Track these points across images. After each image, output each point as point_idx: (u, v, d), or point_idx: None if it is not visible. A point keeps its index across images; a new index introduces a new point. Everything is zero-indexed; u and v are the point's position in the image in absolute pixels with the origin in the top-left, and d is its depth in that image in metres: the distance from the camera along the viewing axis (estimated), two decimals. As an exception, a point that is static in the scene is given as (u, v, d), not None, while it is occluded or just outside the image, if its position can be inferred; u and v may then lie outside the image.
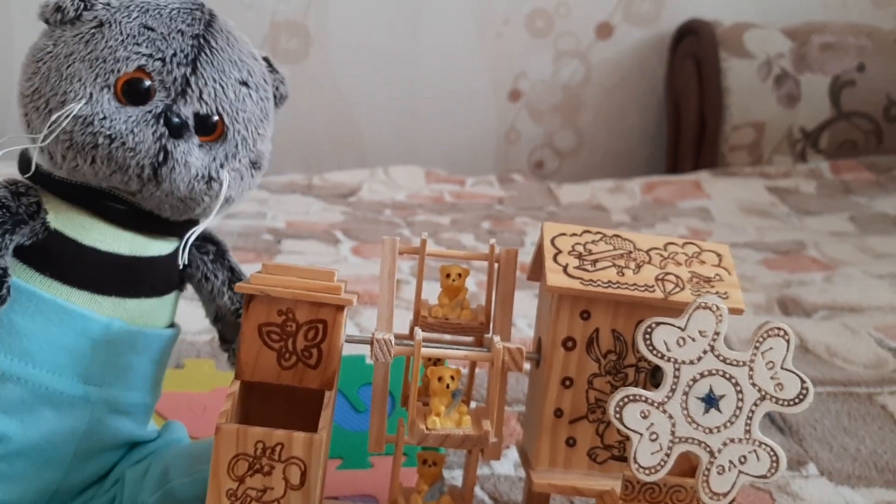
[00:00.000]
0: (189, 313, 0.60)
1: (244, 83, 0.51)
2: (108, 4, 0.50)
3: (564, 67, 1.92)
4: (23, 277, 0.48)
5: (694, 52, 1.82)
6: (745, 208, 1.55)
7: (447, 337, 0.55)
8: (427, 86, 1.88)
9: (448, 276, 0.53)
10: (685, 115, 1.84)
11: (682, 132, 1.86)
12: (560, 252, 0.51)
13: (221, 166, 0.50)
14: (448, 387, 0.48)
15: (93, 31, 0.49)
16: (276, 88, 0.55)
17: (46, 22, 0.51)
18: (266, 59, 0.55)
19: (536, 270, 0.54)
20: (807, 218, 1.50)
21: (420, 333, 0.49)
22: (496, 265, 0.54)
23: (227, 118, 0.50)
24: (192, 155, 0.49)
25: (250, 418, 0.50)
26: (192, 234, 0.52)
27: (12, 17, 1.77)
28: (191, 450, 0.54)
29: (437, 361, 0.53)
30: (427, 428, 0.47)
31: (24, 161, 0.51)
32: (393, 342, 0.49)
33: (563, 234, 0.52)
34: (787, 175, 1.70)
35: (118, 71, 0.48)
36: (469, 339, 0.56)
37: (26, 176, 0.50)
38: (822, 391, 0.81)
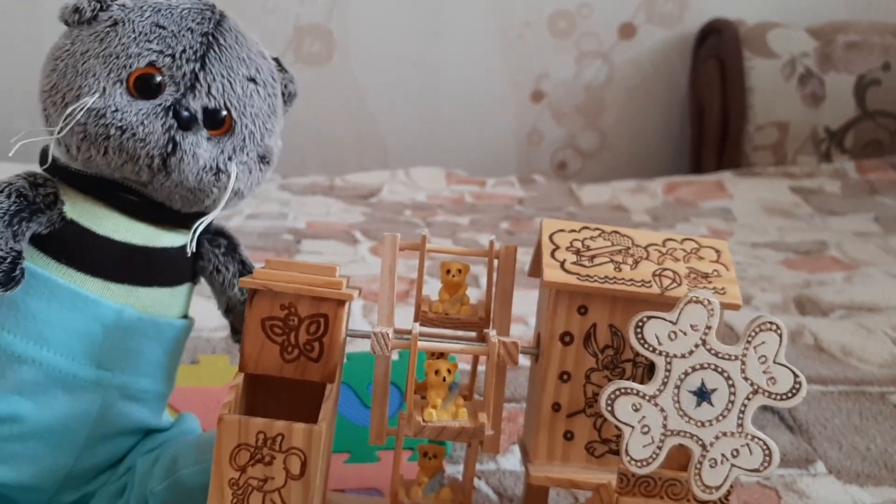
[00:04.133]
0: (204, 310, 0.62)
1: (252, 80, 0.53)
2: (123, 5, 0.52)
3: (587, 68, 1.92)
4: (39, 264, 0.51)
5: (717, 52, 1.81)
6: (767, 208, 1.54)
7: (449, 332, 0.55)
8: (448, 87, 1.89)
9: (448, 272, 0.54)
10: (708, 116, 1.83)
11: (706, 132, 1.85)
12: (558, 248, 0.52)
13: (230, 159, 0.52)
14: (444, 380, 0.49)
15: (107, 29, 0.51)
16: (285, 87, 0.57)
17: (66, 23, 0.53)
18: (276, 60, 0.57)
19: (536, 266, 0.55)
20: (830, 218, 1.48)
21: (417, 327, 0.50)
22: (496, 261, 0.55)
23: (234, 112, 0.52)
24: (200, 147, 0.51)
25: (256, 411, 0.51)
26: (201, 222, 0.54)
27: (42, 25, 1.81)
28: (199, 440, 0.55)
29: (440, 356, 0.54)
30: (423, 420, 0.48)
31: (43, 155, 0.53)
32: (391, 336, 0.50)
33: (562, 231, 0.53)
34: (812, 175, 1.69)
35: (130, 66, 0.50)
36: (472, 334, 0.56)
37: (44, 168, 0.53)
38: (833, 390, 0.80)
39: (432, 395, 0.49)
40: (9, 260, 0.48)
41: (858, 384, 0.82)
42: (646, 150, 1.97)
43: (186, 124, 0.50)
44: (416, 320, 0.54)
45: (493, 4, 1.87)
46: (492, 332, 0.51)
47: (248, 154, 0.53)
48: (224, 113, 0.52)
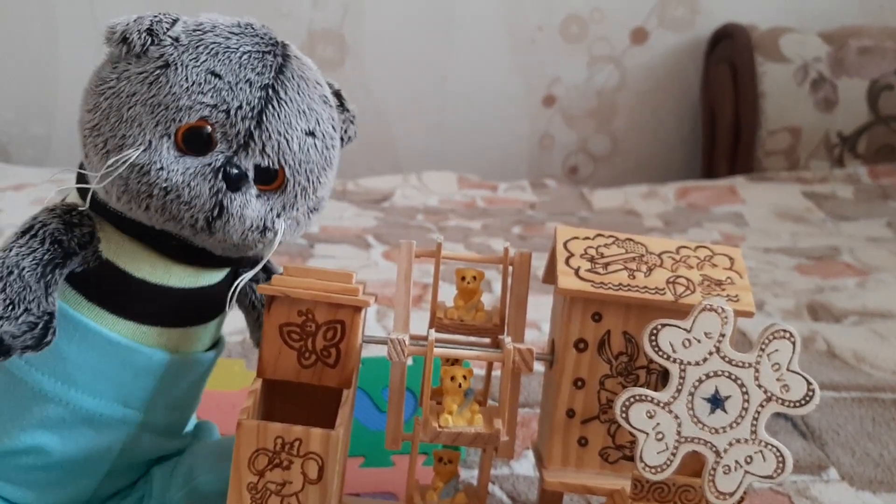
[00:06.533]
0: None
1: (311, 133, 0.49)
2: (177, 41, 0.47)
3: (599, 73, 1.92)
4: (71, 303, 0.49)
5: (729, 57, 1.81)
6: (780, 214, 1.54)
7: (464, 338, 0.56)
8: (461, 92, 1.90)
9: (463, 278, 0.55)
10: (720, 121, 1.83)
11: (718, 137, 1.85)
12: (572, 255, 0.53)
13: (278, 216, 0.49)
14: (460, 386, 0.50)
15: (157, 71, 0.47)
16: (345, 130, 0.54)
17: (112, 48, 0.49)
18: (338, 95, 0.53)
19: (550, 273, 0.55)
20: (843, 223, 1.48)
21: (433, 334, 0.51)
22: (510, 268, 0.55)
23: (288, 170, 0.49)
24: (248, 207, 0.48)
25: (273, 416, 0.52)
26: (240, 281, 0.51)
27: (59, 31, 1.83)
28: (216, 447, 0.56)
29: (455, 362, 0.54)
30: (439, 426, 0.49)
31: (80, 180, 0.50)
32: (408, 342, 0.50)
33: (576, 238, 0.54)
34: (824, 180, 1.69)
35: (179, 120, 0.46)
36: (486, 340, 0.57)
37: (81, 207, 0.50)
38: (846, 396, 0.81)
39: (448, 401, 0.50)
40: (40, 325, 0.46)
41: (871, 391, 0.82)
42: (658, 155, 1.97)
43: (236, 184, 0.47)
44: (431, 327, 0.54)
45: (505, 9, 1.87)
46: (507, 339, 0.51)
47: (297, 209, 0.50)
48: (277, 169, 0.48)
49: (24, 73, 1.84)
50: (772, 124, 1.75)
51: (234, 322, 0.62)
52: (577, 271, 0.52)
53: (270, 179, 0.49)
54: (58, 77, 1.82)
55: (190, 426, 0.59)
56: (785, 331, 0.45)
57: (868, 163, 1.73)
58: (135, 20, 0.47)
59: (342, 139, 0.53)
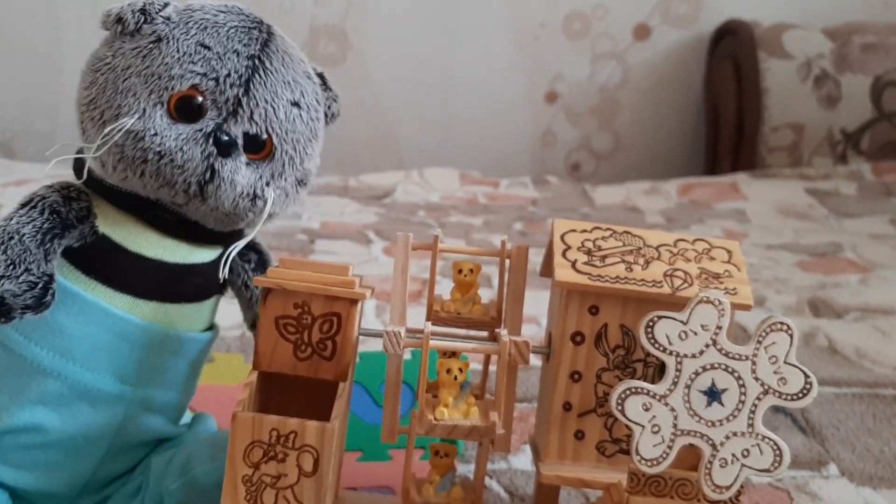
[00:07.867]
0: (220, 309, 0.62)
1: (296, 104, 0.52)
2: (168, 19, 0.51)
3: (601, 69, 1.92)
4: (69, 278, 0.51)
5: (732, 53, 1.81)
6: (782, 210, 1.53)
7: (461, 331, 0.56)
8: (463, 88, 1.90)
9: (460, 271, 0.55)
10: (723, 117, 1.83)
11: (721, 134, 1.84)
12: (569, 248, 0.52)
13: (267, 184, 0.51)
14: (456, 378, 0.50)
15: (150, 45, 0.50)
16: (329, 107, 0.56)
17: (107, 29, 0.52)
18: (321, 76, 0.56)
19: (547, 266, 0.55)
20: (846, 220, 1.48)
21: (429, 327, 0.50)
22: (507, 261, 0.55)
23: (275, 138, 0.51)
24: (238, 173, 0.50)
25: (269, 409, 0.52)
26: (233, 248, 0.53)
27: (62, 27, 1.83)
28: (213, 439, 0.56)
29: (451, 355, 0.54)
30: (435, 418, 0.49)
31: (78, 164, 0.52)
32: (403, 335, 0.50)
33: (574, 231, 0.53)
34: (827, 177, 1.68)
35: (172, 88, 0.49)
36: (483, 333, 0.57)
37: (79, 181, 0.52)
38: (847, 392, 0.80)
39: (444, 394, 0.50)
40: (40, 285, 0.48)
41: (872, 386, 0.82)
42: (660, 152, 1.96)
43: (226, 150, 0.49)
44: (428, 320, 0.54)
45: (508, 5, 1.87)
46: (503, 332, 0.51)
47: (286, 179, 0.52)
48: (265, 137, 0.51)
49: (28, 69, 1.84)
50: (775, 121, 1.74)
51: (232, 317, 0.62)
52: (574, 264, 0.51)
53: (259, 148, 0.51)
54: (61, 73, 1.82)
55: (187, 418, 0.59)
56: (782, 323, 0.45)
57: (871, 159, 1.73)
58: (128, 3, 0.51)
59: (326, 115, 0.56)
